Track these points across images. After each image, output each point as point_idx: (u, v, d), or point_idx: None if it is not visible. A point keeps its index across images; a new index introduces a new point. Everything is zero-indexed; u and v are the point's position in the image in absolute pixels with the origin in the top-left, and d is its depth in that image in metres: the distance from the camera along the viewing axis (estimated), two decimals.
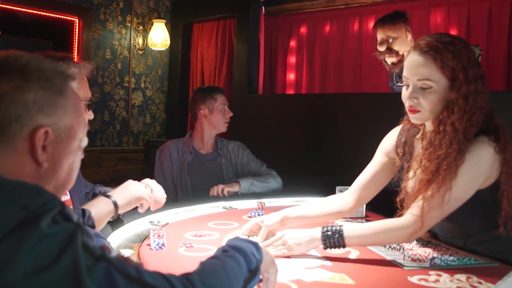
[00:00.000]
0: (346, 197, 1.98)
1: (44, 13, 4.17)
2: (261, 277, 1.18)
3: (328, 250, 1.64)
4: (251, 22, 4.55)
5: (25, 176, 0.97)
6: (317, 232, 1.62)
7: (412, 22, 4.41)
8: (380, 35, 3.68)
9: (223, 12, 4.87)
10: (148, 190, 2.00)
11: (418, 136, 1.86)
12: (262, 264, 1.16)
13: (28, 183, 0.91)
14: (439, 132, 1.63)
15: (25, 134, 0.97)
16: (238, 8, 4.66)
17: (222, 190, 2.92)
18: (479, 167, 1.60)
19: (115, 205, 1.85)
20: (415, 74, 1.65)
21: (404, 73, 1.71)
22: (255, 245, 1.18)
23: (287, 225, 1.84)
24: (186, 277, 0.95)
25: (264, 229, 1.80)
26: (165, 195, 2.08)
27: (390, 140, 1.97)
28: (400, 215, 1.68)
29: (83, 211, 1.67)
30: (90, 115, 1.97)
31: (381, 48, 3.73)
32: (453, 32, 4.42)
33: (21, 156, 0.97)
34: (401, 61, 3.74)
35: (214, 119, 3.20)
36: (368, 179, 1.95)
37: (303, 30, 5.35)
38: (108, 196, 1.86)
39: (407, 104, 1.71)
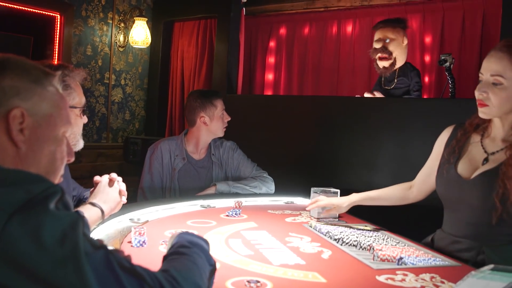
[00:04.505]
0: (412, 188, 2.17)
1: (26, 8, 4.14)
2: None
3: None
4: (232, 23, 4.60)
5: (6, 158, 1.04)
6: None
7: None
8: (378, 35, 3.89)
9: (204, 12, 4.90)
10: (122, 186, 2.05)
11: (478, 130, 1.94)
12: None
13: (29, 172, 0.97)
14: None
15: (2, 114, 1.04)
16: (219, 8, 4.70)
17: None
18: None
19: (102, 212, 1.92)
20: (489, 69, 1.72)
21: (481, 69, 1.78)
22: (206, 241, 1.28)
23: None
24: (168, 273, 1.01)
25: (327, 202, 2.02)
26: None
27: (442, 141, 2.07)
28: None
29: (77, 212, 1.74)
30: (84, 120, 2.04)
31: (377, 45, 3.90)
32: (428, 39, 4.55)
33: (0, 137, 1.04)
34: (392, 65, 3.88)
35: (214, 126, 3.11)
36: (427, 174, 2.09)
37: (282, 31, 5.42)
38: (94, 204, 1.91)
39: (477, 97, 1.79)
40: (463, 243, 1.83)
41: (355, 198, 2.23)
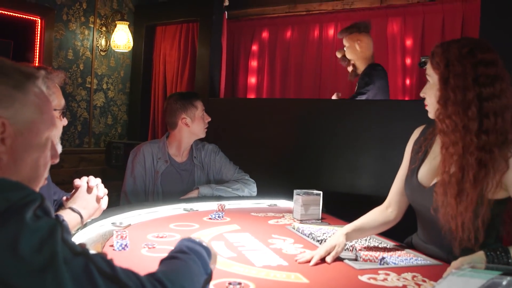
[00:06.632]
0: (388, 209, 2.00)
1: (5, 12, 4.09)
2: None
3: None
4: (214, 26, 4.59)
5: None
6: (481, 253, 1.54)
7: (371, 30, 4.60)
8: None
9: (186, 15, 4.88)
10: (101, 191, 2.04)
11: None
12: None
13: (9, 179, 0.93)
14: (441, 129, 1.71)
15: None
16: (201, 12, 4.69)
17: None
18: None
19: (81, 218, 1.91)
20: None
21: None
22: (207, 250, 1.26)
23: (351, 239, 1.88)
24: (154, 276, 1.00)
25: (339, 249, 1.73)
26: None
27: (410, 142, 2.02)
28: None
29: (57, 216, 1.73)
30: (64, 122, 2.03)
31: (338, 55, 4.04)
32: (409, 41, 4.59)
33: None
34: (354, 71, 4.00)
35: (195, 127, 3.12)
36: (401, 192, 1.98)
37: (265, 34, 5.44)
38: (73, 209, 1.90)
39: None
40: (431, 249, 1.83)
41: (346, 230, 1.89)
